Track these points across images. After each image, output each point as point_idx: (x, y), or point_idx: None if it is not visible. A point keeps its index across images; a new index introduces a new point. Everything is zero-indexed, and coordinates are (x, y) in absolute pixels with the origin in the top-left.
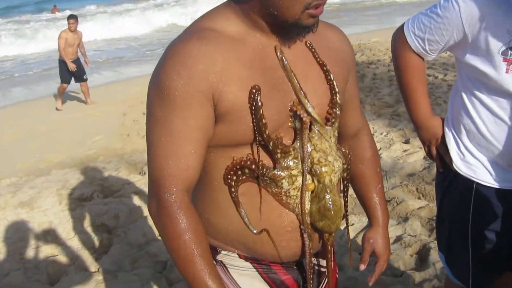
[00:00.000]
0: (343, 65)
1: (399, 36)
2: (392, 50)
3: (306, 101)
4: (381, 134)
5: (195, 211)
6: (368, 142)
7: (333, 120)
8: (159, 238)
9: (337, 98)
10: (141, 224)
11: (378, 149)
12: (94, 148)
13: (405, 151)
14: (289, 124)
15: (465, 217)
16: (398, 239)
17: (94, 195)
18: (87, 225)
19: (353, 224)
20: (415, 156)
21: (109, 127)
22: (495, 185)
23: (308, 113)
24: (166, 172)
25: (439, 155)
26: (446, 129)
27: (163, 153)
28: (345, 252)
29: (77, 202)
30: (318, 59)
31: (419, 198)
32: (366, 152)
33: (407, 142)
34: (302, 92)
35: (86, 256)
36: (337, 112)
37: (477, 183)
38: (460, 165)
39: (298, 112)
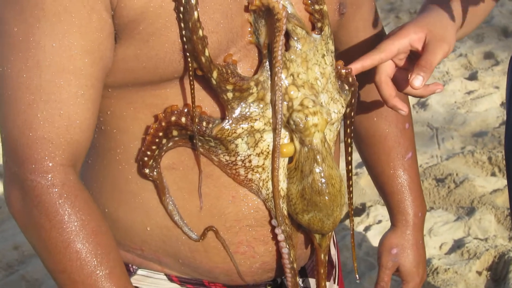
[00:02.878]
0: None
1: None
2: None
3: None
4: None
5: (90, 197)
6: None
7: (319, 24)
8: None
9: None
10: (11, 229)
11: None
12: None
13: (469, 92)
14: (248, 37)
15: None
16: (458, 245)
17: None
18: None
19: (379, 222)
20: (487, 101)
21: None
22: None
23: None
24: (33, 134)
25: None
26: None
27: (26, 100)
28: (366, 269)
29: None
30: None
31: (493, 174)
32: None
33: (473, 77)
34: None
35: None
36: (323, 9)
37: None
38: None
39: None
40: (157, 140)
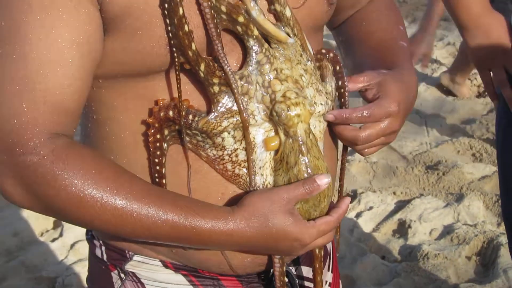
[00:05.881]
0: None
1: None
2: None
3: None
4: None
5: (84, 147)
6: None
7: (286, 29)
8: (41, 238)
9: None
10: (10, 216)
11: None
12: None
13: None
14: (239, 27)
15: None
16: (447, 231)
17: None
18: None
19: (370, 208)
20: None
21: None
22: None
23: (248, 17)
24: (18, 120)
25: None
26: None
27: (11, 91)
28: (358, 254)
29: None
30: None
31: (481, 161)
32: (373, 7)
33: None
34: None
35: None
36: (284, 12)
37: None
38: None
39: (232, 13)
40: (158, 144)
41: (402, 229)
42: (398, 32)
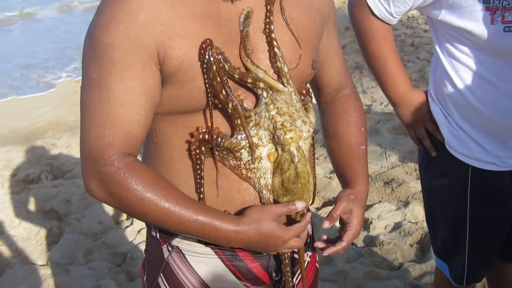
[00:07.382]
0: (314, 14)
1: (357, 1)
2: (352, 19)
3: (250, 63)
4: (381, 104)
5: (146, 166)
6: (352, 99)
7: (281, 80)
8: (117, 225)
9: (275, 49)
10: (97, 210)
11: (377, 122)
12: (41, 121)
13: None
14: (249, 84)
15: (462, 207)
16: (397, 226)
17: (42, 176)
18: (33, 211)
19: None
20: None
21: (59, 95)
22: (495, 166)
23: (255, 78)
24: (102, 142)
25: (429, 135)
26: (432, 103)
27: (98, 122)
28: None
29: (22, 184)
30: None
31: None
32: (346, 107)
33: None
34: (244, 51)
35: (33, 247)
36: (281, 67)
37: (473, 167)
38: (454, 144)
39: (240, 77)
40: (198, 156)
41: (366, 224)
42: (361, 135)
